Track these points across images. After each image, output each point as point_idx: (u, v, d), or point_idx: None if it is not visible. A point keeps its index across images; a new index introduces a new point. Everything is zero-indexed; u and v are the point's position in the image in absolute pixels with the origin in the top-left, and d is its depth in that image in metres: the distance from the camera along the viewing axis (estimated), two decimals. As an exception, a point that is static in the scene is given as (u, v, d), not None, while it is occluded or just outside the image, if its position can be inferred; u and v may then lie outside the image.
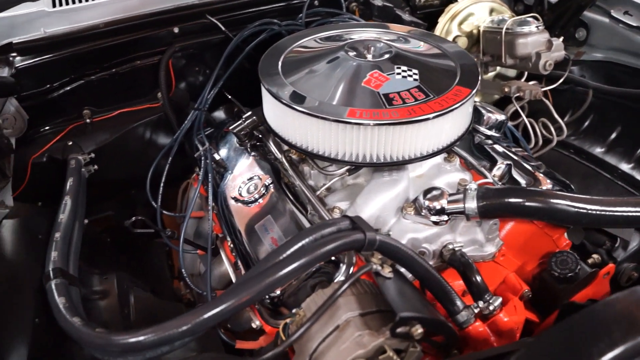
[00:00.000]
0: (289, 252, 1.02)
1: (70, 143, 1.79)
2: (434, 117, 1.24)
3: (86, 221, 1.60)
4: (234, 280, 1.48)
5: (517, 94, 2.02)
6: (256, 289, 0.94)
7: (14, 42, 1.77)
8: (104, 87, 1.90)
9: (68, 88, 1.84)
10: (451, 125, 1.33)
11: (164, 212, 1.78)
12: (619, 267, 1.37)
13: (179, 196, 2.06)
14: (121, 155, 1.93)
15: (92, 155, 1.80)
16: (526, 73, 2.10)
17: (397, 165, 1.31)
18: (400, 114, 1.22)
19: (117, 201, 2.11)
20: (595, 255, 1.44)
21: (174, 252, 2.10)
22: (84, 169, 1.73)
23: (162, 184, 1.79)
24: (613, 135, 2.09)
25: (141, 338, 0.92)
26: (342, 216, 1.13)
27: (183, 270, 1.51)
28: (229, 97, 1.93)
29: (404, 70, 1.36)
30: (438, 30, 2.13)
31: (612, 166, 2.05)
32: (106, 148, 1.86)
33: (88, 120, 1.89)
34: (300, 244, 1.03)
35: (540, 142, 2.09)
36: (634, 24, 1.98)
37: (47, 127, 1.84)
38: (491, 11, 2.17)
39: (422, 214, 1.27)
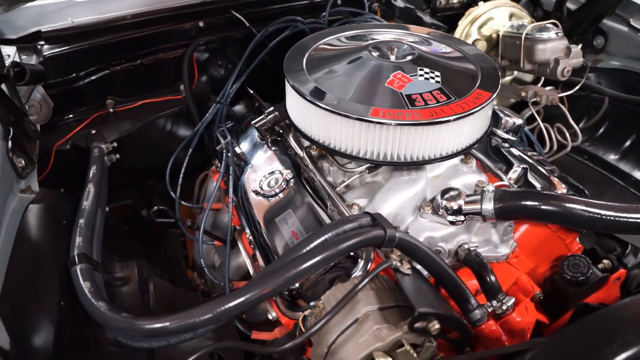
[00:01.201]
0: (311, 245, 1.05)
1: (94, 131, 1.83)
2: (454, 120, 1.26)
3: (107, 209, 1.64)
4: (251, 271, 1.51)
5: (534, 99, 2.04)
6: (280, 280, 0.97)
7: (42, 30, 1.81)
8: (128, 77, 1.92)
9: (93, 77, 1.87)
10: (470, 127, 1.35)
11: (183, 202, 1.81)
12: (629, 273, 1.39)
13: (196, 187, 2.09)
14: (142, 145, 1.96)
15: (115, 144, 1.84)
16: (543, 78, 2.12)
17: (417, 165, 1.33)
18: (422, 115, 1.25)
19: (135, 190, 2.14)
20: (605, 261, 1.45)
21: (189, 242, 2.14)
22: (106, 158, 1.77)
23: (181, 176, 1.81)
24: (627, 143, 2.11)
25: (167, 324, 0.96)
26: (363, 213, 1.16)
27: (202, 260, 1.54)
28: (251, 91, 1.96)
29: (426, 72, 1.38)
30: (458, 33, 2.15)
31: (626, 173, 2.07)
32: (128, 138, 1.89)
33: (111, 110, 1.92)
34: (322, 238, 1.06)
35: (555, 146, 2.10)
36: (653, 34, 2.00)
37: (71, 115, 1.87)
38: (511, 16, 2.19)
39: (439, 213, 1.30)
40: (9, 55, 1.69)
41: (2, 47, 1.64)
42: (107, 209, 1.64)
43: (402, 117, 1.24)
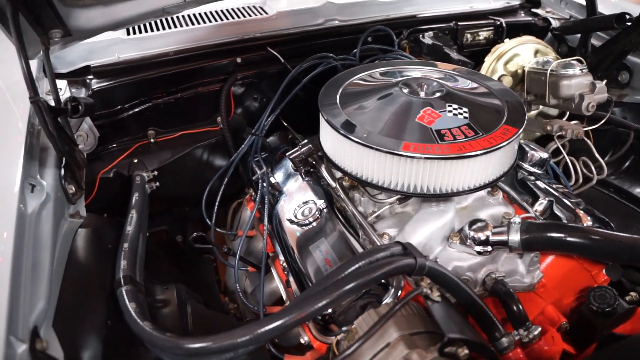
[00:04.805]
0: (346, 272, 1.10)
1: (136, 160, 1.92)
2: (482, 154, 1.32)
3: (147, 234, 1.72)
4: (284, 296, 1.57)
5: (559, 133, 2.07)
6: (317, 306, 1.02)
7: (91, 65, 1.93)
8: (169, 109, 2.03)
9: (137, 110, 1.98)
10: (497, 161, 1.40)
11: (218, 229, 1.88)
12: None
13: (230, 214, 2.17)
14: (180, 174, 2.04)
15: (155, 172, 1.93)
16: (568, 112, 2.16)
17: (446, 197, 1.39)
18: (451, 149, 1.31)
19: (171, 217, 2.23)
20: (633, 293, 1.44)
21: (221, 268, 2.21)
22: (146, 185, 1.86)
23: (216, 204, 1.89)
24: (654, 177, 2.13)
25: (209, 344, 1.01)
26: (394, 242, 1.21)
27: (237, 286, 1.60)
28: (285, 124, 2.04)
29: (454, 108, 1.44)
30: (484, 69, 2.20)
31: None
32: (167, 167, 1.98)
33: (152, 140, 2.02)
34: (356, 266, 1.12)
35: (581, 179, 2.12)
36: (678, 70, 2.03)
37: (114, 145, 1.97)
38: (536, 52, 2.24)
39: (467, 243, 1.34)
40: (61, 89, 1.81)
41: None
42: (147, 234, 1.72)
43: (432, 152, 1.30)
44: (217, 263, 2.17)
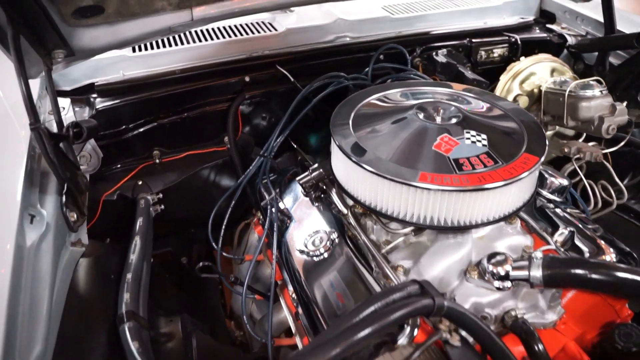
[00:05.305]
0: (361, 316, 1.04)
1: (140, 182, 1.87)
2: (503, 186, 1.26)
3: (152, 260, 1.66)
4: (293, 329, 1.51)
5: (577, 155, 2.02)
6: (332, 354, 0.96)
7: (96, 83, 1.88)
8: (175, 129, 1.97)
9: (142, 129, 1.93)
10: (518, 192, 1.34)
11: (224, 254, 1.83)
12: None
13: (236, 236, 2.11)
14: (186, 195, 1.99)
15: (160, 195, 1.88)
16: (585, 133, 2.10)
17: (463, 230, 1.33)
18: (470, 180, 1.25)
19: (176, 238, 2.18)
20: None
21: (227, 290, 2.15)
22: (151, 209, 1.80)
23: (223, 227, 1.84)
24: (676, 202, 2.06)
25: None
26: (411, 280, 1.15)
27: (244, 317, 1.54)
28: (294, 146, 1.98)
29: (472, 135, 1.38)
30: (499, 88, 2.15)
31: None
32: (173, 188, 1.93)
33: (157, 161, 1.97)
34: (372, 309, 1.05)
35: (600, 204, 2.06)
36: (699, 91, 1.96)
37: (118, 166, 1.92)
38: (552, 71, 2.18)
39: (486, 278, 1.28)
40: (64, 108, 1.76)
41: (58, 99, 1.70)
42: (152, 259, 1.67)
43: (450, 183, 1.24)
44: (223, 286, 2.12)
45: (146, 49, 2.02)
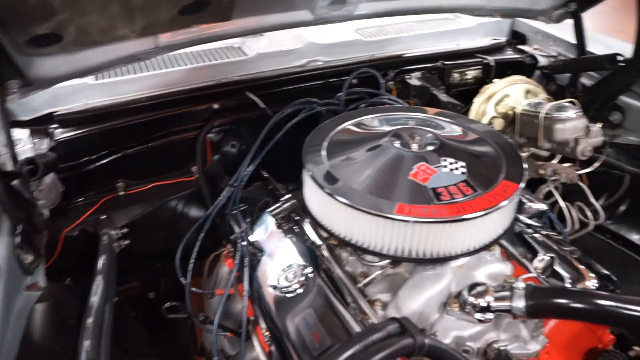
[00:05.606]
0: (339, 360, 0.98)
1: (103, 217, 1.78)
2: (482, 215, 1.21)
3: (116, 299, 1.57)
4: (267, 371, 1.43)
5: (553, 177, 2.00)
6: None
7: (55, 113, 1.79)
8: (141, 160, 1.89)
9: (105, 161, 1.84)
10: (497, 220, 1.31)
11: (194, 289, 1.74)
12: None
13: (206, 268, 2.02)
14: (153, 228, 1.90)
15: (125, 230, 1.79)
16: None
17: (442, 261, 1.28)
18: (449, 211, 1.20)
19: (143, 272, 2.08)
20: (636, 347, 1.42)
21: (197, 326, 2.06)
22: (115, 244, 1.71)
23: (192, 261, 1.75)
24: (651, 221, 2.05)
25: None
26: (390, 319, 1.09)
27: (216, 358, 1.46)
28: (266, 175, 1.92)
29: (450, 163, 1.34)
30: (474, 110, 2.13)
31: None
32: (138, 222, 1.85)
33: (122, 193, 1.88)
34: (350, 352, 1.00)
35: (577, 225, 2.04)
36: (670, 110, 1.97)
37: (80, 199, 1.83)
38: (527, 92, 2.17)
39: (466, 310, 1.24)
40: (21, 140, 1.66)
41: (15, 130, 1.60)
42: (116, 299, 1.57)
43: (428, 214, 1.19)
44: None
45: (110, 76, 1.94)
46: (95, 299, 1.39)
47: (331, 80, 2.12)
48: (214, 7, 1.40)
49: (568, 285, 1.37)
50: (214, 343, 1.49)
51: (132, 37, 1.42)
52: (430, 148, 1.40)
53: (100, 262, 1.55)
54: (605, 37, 2.41)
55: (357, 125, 1.57)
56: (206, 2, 1.39)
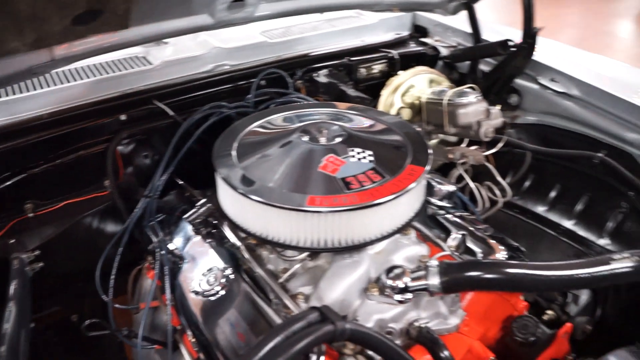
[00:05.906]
0: (261, 354, 0.98)
1: (13, 241, 1.70)
2: (392, 199, 1.25)
3: (32, 324, 1.50)
4: (197, 377, 1.41)
5: (462, 160, 2.09)
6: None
7: None
8: (49, 178, 1.82)
9: (9, 183, 1.75)
10: (408, 203, 1.36)
11: (117, 305, 1.69)
12: (573, 322, 1.45)
13: (130, 283, 1.97)
14: (68, 248, 1.85)
15: (37, 252, 1.71)
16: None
17: (358, 248, 1.31)
18: (359, 198, 1.23)
19: (64, 295, 2.00)
20: (549, 312, 1.51)
21: (126, 344, 2.00)
22: (27, 268, 1.64)
23: (112, 277, 1.70)
24: (553, 194, 2.18)
25: None
26: (309, 308, 1.11)
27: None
28: (180, 182, 1.89)
29: (358, 152, 1.38)
30: (382, 103, 2.19)
31: (555, 223, 2.12)
32: (52, 242, 1.79)
33: (31, 215, 1.80)
34: (272, 344, 1.00)
35: (487, 204, 2.15)
36: (560, 90, 2.10)
37: None
38: (430, 82, 2.26)
39: (386, 293, 1.27)
40: None
41: None
42: (32, 324, 1.50)
43: (339, 203, 1.22)
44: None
45: (7, 94, 1.85)
46: (8, 326, 1.33)
47: (240, 83, 2.13)
48: (109, 16, 1.37)
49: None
50: (140, 357, 1.45)
51: (23, 49, 1.36)
52: (338, 140, 1.43)
53: (12, 288, 1.48)
54: (498, 26, 2.56)
55: (266, 124, 1.58)
56: (100, 11, 1.36)
